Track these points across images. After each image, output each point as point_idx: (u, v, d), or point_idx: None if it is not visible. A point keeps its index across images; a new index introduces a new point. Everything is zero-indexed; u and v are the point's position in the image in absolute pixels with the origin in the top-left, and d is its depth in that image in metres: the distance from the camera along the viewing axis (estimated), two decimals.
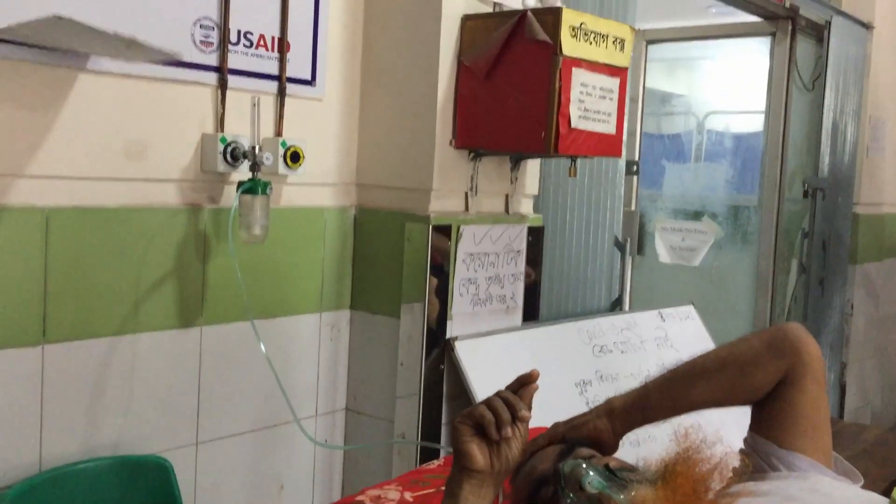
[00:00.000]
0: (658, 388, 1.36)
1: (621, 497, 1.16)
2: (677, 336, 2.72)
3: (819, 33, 3.81)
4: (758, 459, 1.28)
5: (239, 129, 1.84)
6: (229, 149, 1.80)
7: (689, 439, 1.23)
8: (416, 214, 2.05)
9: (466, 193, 2.14)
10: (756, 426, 1.34)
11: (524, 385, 1.19)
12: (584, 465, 1.22)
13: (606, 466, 1.25)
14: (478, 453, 1.15)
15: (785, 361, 1.28)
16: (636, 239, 4.45)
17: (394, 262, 2.08)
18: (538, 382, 1.21)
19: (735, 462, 1.26)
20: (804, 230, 3.97)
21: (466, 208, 2.15)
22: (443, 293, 2.07)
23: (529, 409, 1.19)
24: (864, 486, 1.29)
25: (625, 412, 1.35)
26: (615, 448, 1.37)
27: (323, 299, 2.10)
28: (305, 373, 2.07)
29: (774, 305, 3.76)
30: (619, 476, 1.22)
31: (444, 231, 2.06)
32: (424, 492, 1.33)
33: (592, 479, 1.20)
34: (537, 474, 1.29)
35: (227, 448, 1.90)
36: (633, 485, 1.20)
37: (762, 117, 3.81)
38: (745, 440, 1.34)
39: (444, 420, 2.09)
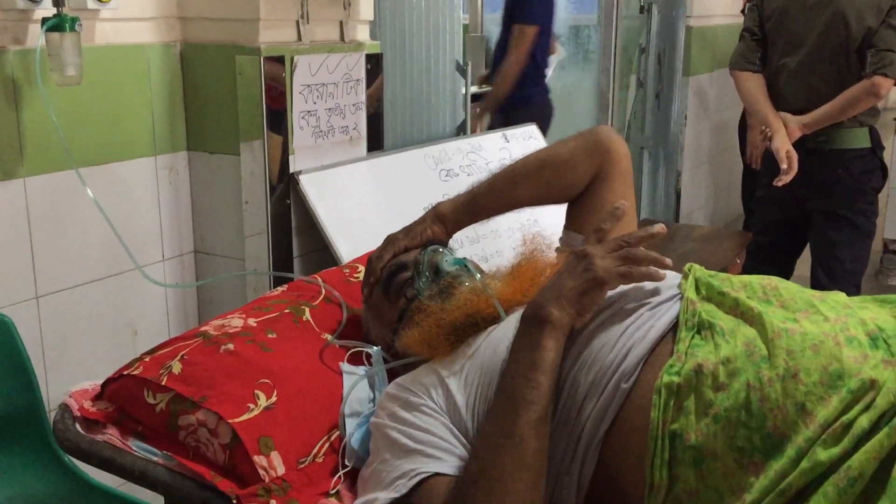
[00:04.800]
0: (484, 191, 1.44)
1: (478, 276, 1.25)
2: (521, 156, 2.80)
3: None
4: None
5: None
6: None
7: (534, 243, 1.32)
8: (246, 46, 1.97)
9: (297, 22, 2.06)
10: (569, 223, 1.45)
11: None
12: (443, 250, 1.31)
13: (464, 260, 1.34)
14: None
15: (596, 160, 1.37)
16: (484, 63, 4.46)
17: (228, 99, 2.01)
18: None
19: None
20: (641, 46, 4.08)
21: (299, 38, 2.08)
22: (282, 128, 2.04)
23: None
24: None
25: (455, 214, 1.43)
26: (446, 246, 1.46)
27: (156, 142, 2.02)
28: (146, 218, 2.02)
29: (614, 121, 3.91)
30: (474, 268, 1.31)
31: (277, 62, 1.99)
32: (268, 316, 1.36)
33: (450, 258, 1.29)
34: (399, 261, 1.36)
35: (72, 299, 1.87)
36: (486, 275, 1.29)
37: None
38: (561, 239, 1.45)
39: (294, 253, 2.11)
